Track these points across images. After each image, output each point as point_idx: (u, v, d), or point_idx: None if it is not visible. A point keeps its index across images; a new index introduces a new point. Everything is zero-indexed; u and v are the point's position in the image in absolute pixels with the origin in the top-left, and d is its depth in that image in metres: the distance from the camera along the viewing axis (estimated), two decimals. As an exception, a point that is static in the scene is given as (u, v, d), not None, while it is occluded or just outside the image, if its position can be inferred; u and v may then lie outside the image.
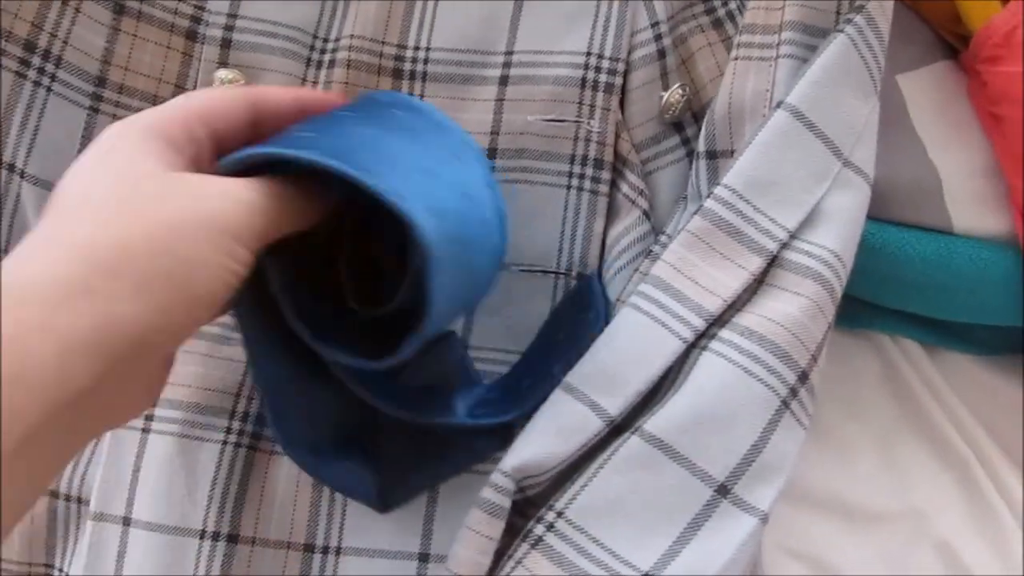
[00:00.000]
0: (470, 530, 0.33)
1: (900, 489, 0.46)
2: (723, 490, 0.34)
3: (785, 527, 0.44)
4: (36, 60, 0.42)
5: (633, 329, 0.36)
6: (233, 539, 0.42)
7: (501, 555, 0.34)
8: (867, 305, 0.46)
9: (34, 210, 0.43)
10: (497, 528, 0.33)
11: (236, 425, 0.43)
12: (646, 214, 0.43)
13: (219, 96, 0.32)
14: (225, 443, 0.43)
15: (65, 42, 0.43)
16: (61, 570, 0.45)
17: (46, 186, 0.43)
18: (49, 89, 0.43)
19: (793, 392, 0.35)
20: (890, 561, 0.45)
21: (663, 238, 0.42)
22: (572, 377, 0.35)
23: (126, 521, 0.42)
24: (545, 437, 0.34)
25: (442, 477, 0.42)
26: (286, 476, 0.43)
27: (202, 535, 0.42)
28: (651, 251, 0.42)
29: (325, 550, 0.43)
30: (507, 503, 0.34)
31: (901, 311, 0.46)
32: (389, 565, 0.42)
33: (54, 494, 0.45)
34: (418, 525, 0.43)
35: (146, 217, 0.26)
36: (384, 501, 0.42)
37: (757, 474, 0.34)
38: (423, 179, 0.32)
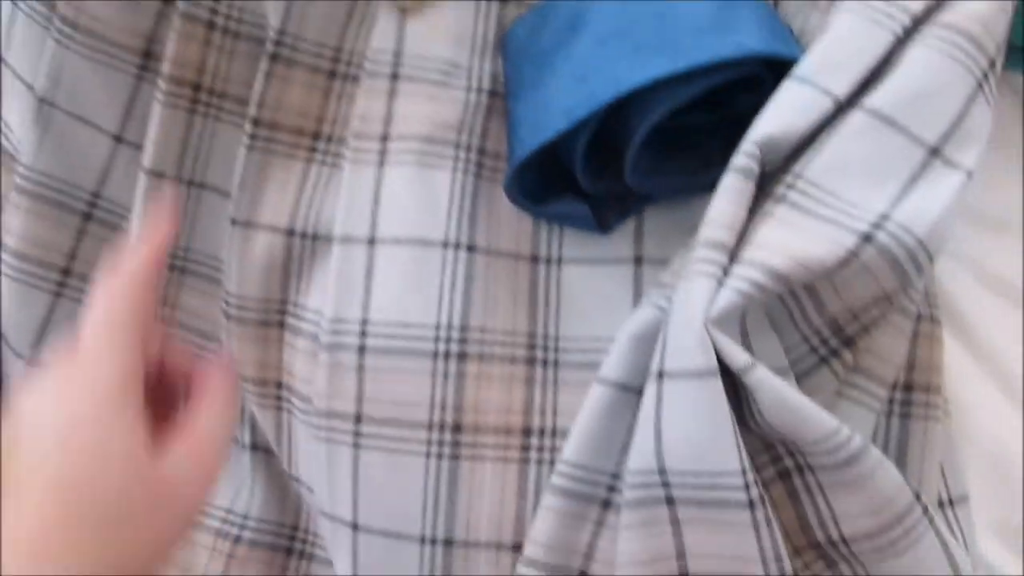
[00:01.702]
0: (731, 188, 0.39)
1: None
2: (935, 152, 0.40)
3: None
4: None
5: (848, 26, 0.41)
6: (472, 249, 0.48)
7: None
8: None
9: None
10: (751, 188, 0.40)
11: (462, 154, 0.48)
12: None
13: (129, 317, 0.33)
14: (455, 169, 0.48)
15: None
16: (296, 304, 0.51)
17: None
18: None
19: (985, 75, 0.41)
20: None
21: None
22: (800, 70, 0.41)
23: (371, 241, 0.48)
24: (784, 115, 0.40)
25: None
26: (511, 195, 0.49)
27: (445, 244, 0.47)
28: None
29: (548, 260, 0.49)
30: (757, 169, 0.40)
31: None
32: (607, 271, 0.49)
33: (289, 232, 0.50)
34: (630, 232, 0.49)
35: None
36: (602, 224, 0.49)
37: (962, 139, 0.40)
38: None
